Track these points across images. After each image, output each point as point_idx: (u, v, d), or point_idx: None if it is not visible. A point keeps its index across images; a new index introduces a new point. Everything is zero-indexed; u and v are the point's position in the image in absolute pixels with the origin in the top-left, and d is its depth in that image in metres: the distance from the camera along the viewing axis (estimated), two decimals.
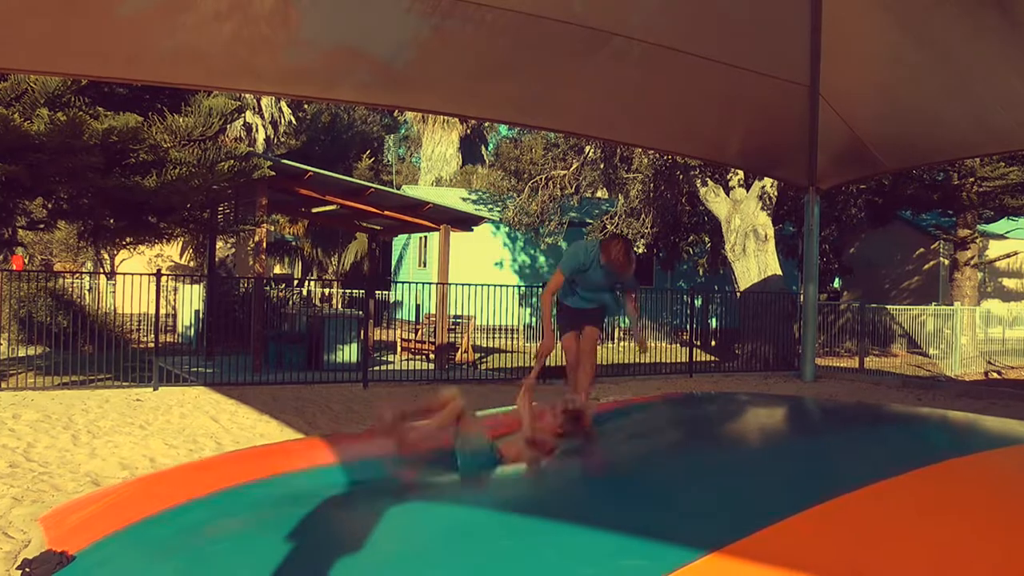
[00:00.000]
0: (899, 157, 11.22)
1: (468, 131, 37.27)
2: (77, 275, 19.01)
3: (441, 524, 2.61)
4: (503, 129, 38.08)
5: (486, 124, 37.57)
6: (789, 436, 4.31)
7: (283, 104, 28.34)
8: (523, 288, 17.29)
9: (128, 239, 12.54)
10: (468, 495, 3.03)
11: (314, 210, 15.41)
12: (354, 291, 20.91)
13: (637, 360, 13.07)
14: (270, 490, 2.95)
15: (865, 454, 3.34)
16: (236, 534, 2.60)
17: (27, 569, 2.81)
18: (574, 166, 18.61)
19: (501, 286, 13.21)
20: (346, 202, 13.64)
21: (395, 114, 39.28)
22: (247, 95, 20.99)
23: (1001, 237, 22.87)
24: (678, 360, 14.10)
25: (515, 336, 18.31)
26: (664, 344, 15.71)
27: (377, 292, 19.64)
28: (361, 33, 7.03)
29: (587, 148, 18.26)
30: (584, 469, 3.49)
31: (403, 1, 6.81)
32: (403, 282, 18.96)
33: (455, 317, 14.29)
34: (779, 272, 15.88)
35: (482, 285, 12.75)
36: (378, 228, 17.09)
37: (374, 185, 15.47)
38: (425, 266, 23.07)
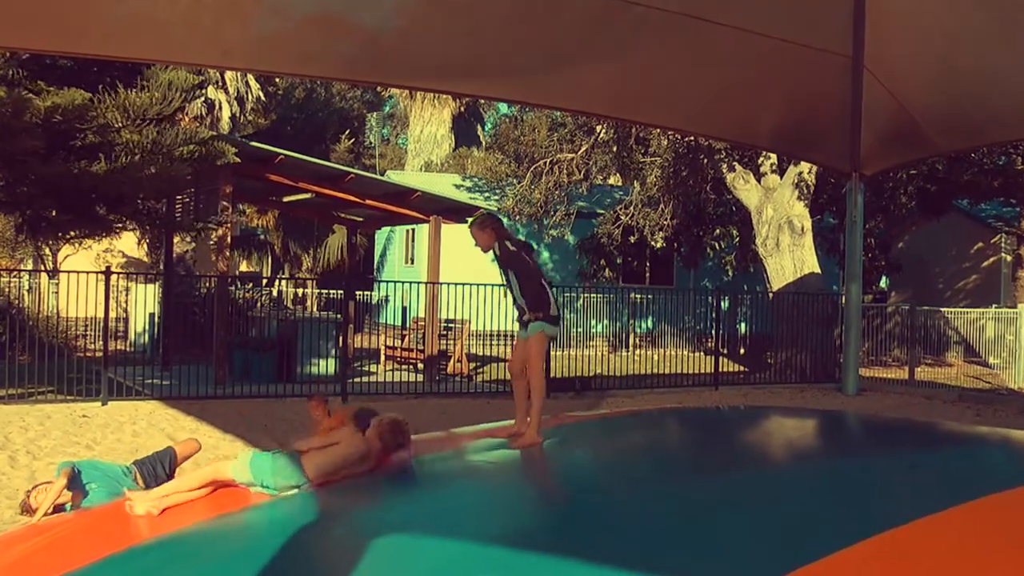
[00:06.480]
0: (955, 137, 11.17)
1: (462, 108, 37.19)
2: (14, 273, 19.01)
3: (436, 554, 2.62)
4: (502, 107, 38.12)
5: (483, 101, 37.52)
6: (827, 458, 4.30)
7: (251, 78, 28.28)
8: None
9: (73, 233, 12.53)
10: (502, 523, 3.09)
11: (286, 199, 15.40)
12: (332, 291, 20.91)
13: (656, 371, 13.07)
14: (240, 526, 2.95)
15: (919, 481, 3.34)
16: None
17: None
18: (583, 149, 18.60)
19: (500, 286, 13.16)
20: (322, 190, 13.62)
21: (378, 89, 39.25)
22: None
23: None
24: (702, 370, 14.10)
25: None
26: (686, 352, 15.68)
27: (358, 293, 19.63)
28: None
29: (598, 128, 18.25)
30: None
31: None
32: (387, 281, 18.96)
33: (447, 321, 14.29)
34: (817, 270, 15.87)
35: (478, 285, 12.74)
36: (359, 219, 17.08)
37: (354, 170, 15.47)
38: (413, 263, 23.07)
